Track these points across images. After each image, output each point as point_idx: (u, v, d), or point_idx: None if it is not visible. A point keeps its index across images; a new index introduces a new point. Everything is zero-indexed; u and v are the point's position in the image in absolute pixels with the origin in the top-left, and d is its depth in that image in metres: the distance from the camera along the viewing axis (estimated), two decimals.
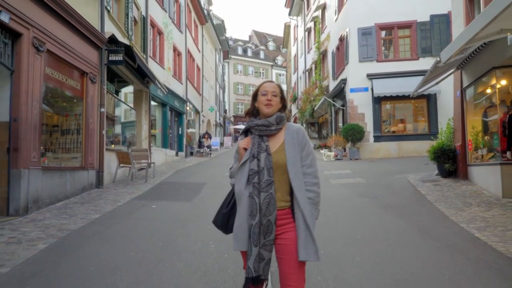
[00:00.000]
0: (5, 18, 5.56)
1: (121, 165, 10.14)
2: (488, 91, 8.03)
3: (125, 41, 10.74)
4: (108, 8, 9.57)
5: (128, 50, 9.48)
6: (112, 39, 9.19)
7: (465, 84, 8.83)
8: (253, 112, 2.19)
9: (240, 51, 54.45)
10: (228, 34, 44.79)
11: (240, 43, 56.42)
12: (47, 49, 6.68)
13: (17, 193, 5.87)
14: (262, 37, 63.46)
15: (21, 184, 5.90)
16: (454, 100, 9.55)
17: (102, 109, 9.00)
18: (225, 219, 2.13)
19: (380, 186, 8.87)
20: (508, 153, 6.75)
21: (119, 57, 9.07)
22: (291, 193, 2.05)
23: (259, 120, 2.12)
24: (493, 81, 7.48)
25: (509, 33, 5.36)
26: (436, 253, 4.21)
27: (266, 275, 2.00)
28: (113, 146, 10.84)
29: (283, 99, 2.17)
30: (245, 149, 2.10)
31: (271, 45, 61.31)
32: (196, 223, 5.71)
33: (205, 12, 25.81)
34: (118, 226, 5.56)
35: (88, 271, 3.71)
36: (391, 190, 8.41)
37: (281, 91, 2.17)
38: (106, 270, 3.73)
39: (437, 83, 9.07)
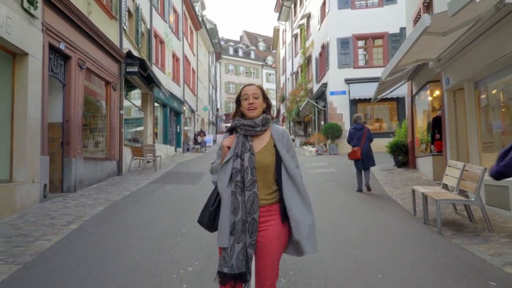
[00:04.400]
0: (62, 46, 7.57)
1: (134, 157, 12.15)
2: (429, 98, 10.25)
3: (135, 52, 12.73)
4: (125, 28, 11.56)
5: (141, 62, 11.49)
6: (129, 54, 11.20)
7: (414, 92, 11.06)
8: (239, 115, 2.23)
9: (231, 51, 55.92)
10: (219, 35, 46.44)
11: (231, 43, 57.84)
12: (86, 66, 8.68)
13: (69, 176, 7.91)
14: (252, 38, 65.19)
15: (71, 169, 7.93)
16: (407, 105, 11.79)
17: (121, 111, 11.01)
18: (211, 218, 2.12)
19: (346, 174, 11.02)
20: (431, 147, 8.99)
21: (135, 69, 11.10)
22: (275, 190, 2.12)
23: (246, 120, 2.14)
24: (429, 92, 9.71)
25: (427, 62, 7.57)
26: (365, 211, 6.39)
27: (250, 273, 2.03)
28: (125, 142, 12.82)
29: (265, 99, 2.19)
30: (229, 147, 2.11)
31: (261, 45, 62.91)
32: (203, 197, 7.47)
33: (200, 18, 27.77)
34: (146, 199, 7.62)
35: (138, 220, 5.78)
36: (354, 176, 10.52)
37: (263, 91, 2.18)
38: (149, 220, 5.79)
39: (391, 91, 11.28)
